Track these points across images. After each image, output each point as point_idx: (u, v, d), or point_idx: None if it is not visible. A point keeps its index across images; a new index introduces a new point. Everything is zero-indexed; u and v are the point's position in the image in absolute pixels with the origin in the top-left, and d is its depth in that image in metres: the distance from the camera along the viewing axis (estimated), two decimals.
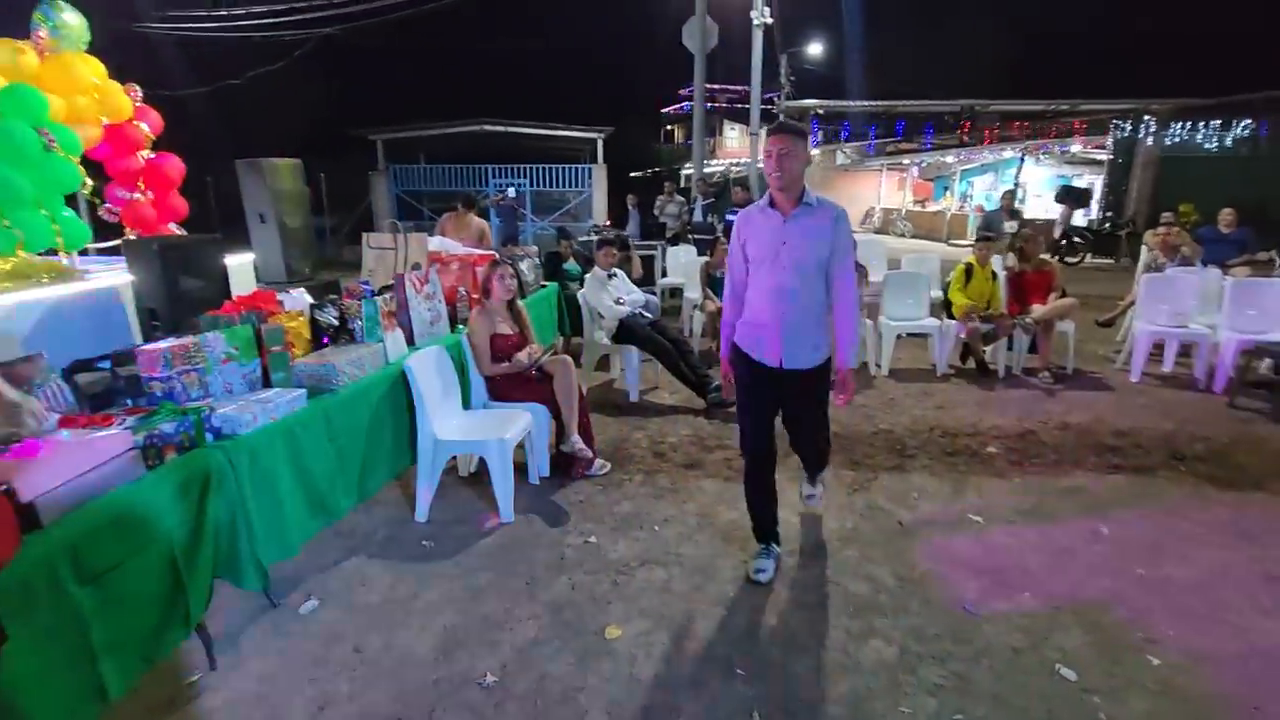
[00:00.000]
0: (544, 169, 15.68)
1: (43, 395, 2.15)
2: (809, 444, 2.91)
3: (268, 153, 7.83)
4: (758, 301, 2.56)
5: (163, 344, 2.42)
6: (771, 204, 2.51)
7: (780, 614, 2.53)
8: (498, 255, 4.37)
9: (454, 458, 3.63)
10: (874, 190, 24.91)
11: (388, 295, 3.52)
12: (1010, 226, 8.37)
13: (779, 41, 18.75)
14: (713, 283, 6.08)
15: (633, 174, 23.33)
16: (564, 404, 3.57)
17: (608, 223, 13.21)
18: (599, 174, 15.99)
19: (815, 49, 21.45)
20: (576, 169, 15.98)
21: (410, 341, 3.52)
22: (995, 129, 20.16)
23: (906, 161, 23.50)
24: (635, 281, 5.46)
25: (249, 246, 5.33)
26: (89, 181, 4.45)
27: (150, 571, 1.92)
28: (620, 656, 2.30)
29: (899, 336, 5.70)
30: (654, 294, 6.71)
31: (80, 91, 4.35)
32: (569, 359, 3.72)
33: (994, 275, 5.62)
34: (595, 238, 6.51)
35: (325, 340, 3.14)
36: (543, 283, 5.41)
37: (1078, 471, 3.75)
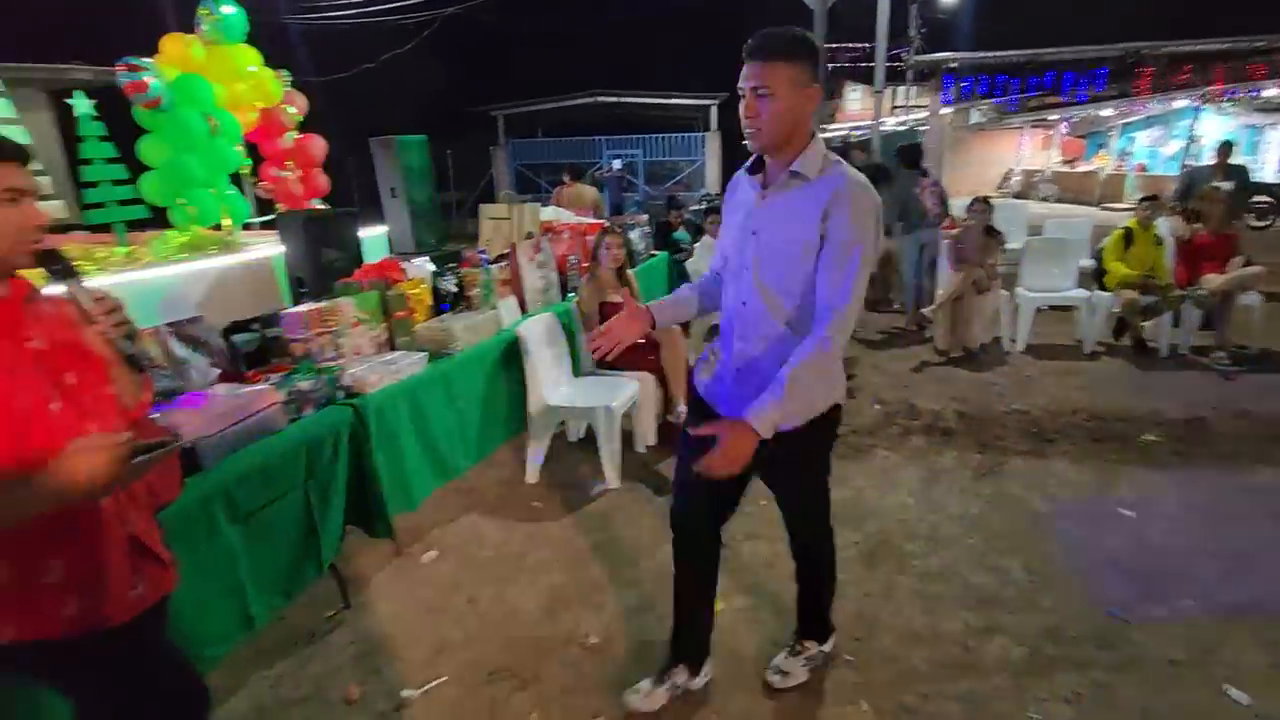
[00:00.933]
0: (656, 138, 15.60)
1: (204, 353, 2.39)
2: (802, 542, 2.03)
3: (398, 131, 8.34)
4: (722, 319, 1.79)
5: (302, 308, 2.63)
6: (755, 168, 1.66)
7: (894, 601, 2.39)
8: (608, 224, 4.38)
9: (563, 423, 3.71)
10: (1013, 151, 22.69)
11: (502, 264, 3.62)
12: (1225, 188, 5.86)
13: None
14: None
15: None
16: (672, 374, 3.54)
17: (720, 191, 12.96)
18: (712, 141, 15.69)
19: None
20: (689, 137, 15.77)
21: (523, 309, 3.61)
22: (1167, 73, 17.59)
23: (1054, 117, 21.15)
24: None
25: (381, 220, 5.70)
26: (248, 161, 4.92)
27: (290, 514, 2.11)
28: (722, 630, 2.26)
29: (1039, 309, 5.18)
30: None
31: (239, 79, 4.80)
32: (678, 329, 3.68)
33: (1159, 240, 4.95)
34: (705, 206, 6.38)
35: (445, 307, 3.29)
36: (653, 251, 5.38)
37: (1261, 468, 3.25)
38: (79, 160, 4.10)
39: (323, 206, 5.46)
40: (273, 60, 5.28)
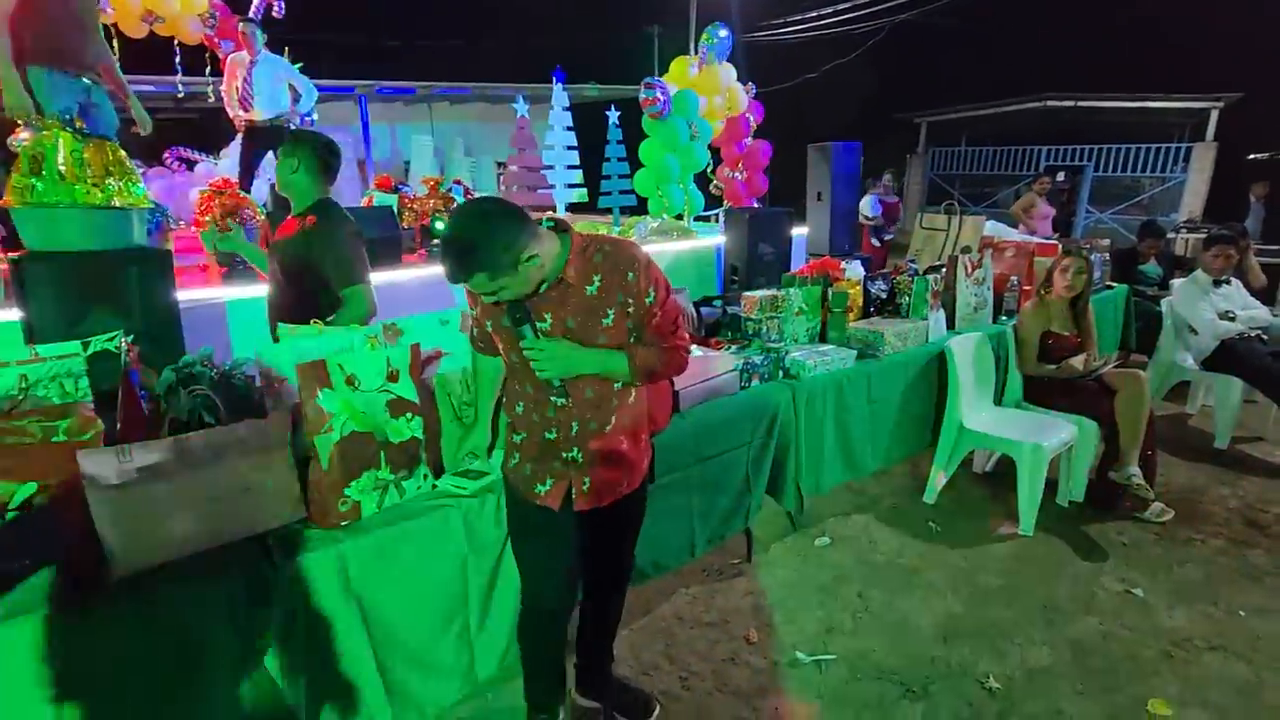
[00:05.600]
0: (1114, 149, 12.99)
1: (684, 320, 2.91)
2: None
3: (829, 137, 8.68)
4: None
5: (760, 293, 2.99)
6: None
7: None
8: (1068, 247, 3.89)
9: (972, 450, 3.48)
10: None
11: (935, 275, 3.53)
12: None
13: None
14: None
15: (1254, 155, 17.31)
16: (1125, 425, 3.01)
17: (1202, 218, 10.25)
18: (1202, 155, 12.41)
19: None
20: (1165, 149, 12.74)
21: (950, 325, 3.47)
22: None
23: None
24: (1254, 294, 4.14)
25: (803, 221, 6.07)
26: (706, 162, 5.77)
27: (733, 468, 2.45)
28: None
29: None
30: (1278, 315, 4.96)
31: (717, 92, 5.61)
32: (1144, 375, 3.11)
33: None
34: (1199, 235, 5.15)
35: (872, 310, 3.37)
36: (1109, 283, 4.59)
37: None
38: (602, 158, 5.37)
39: (757, 206, 6.07)
40: (740, 75, 6.02)
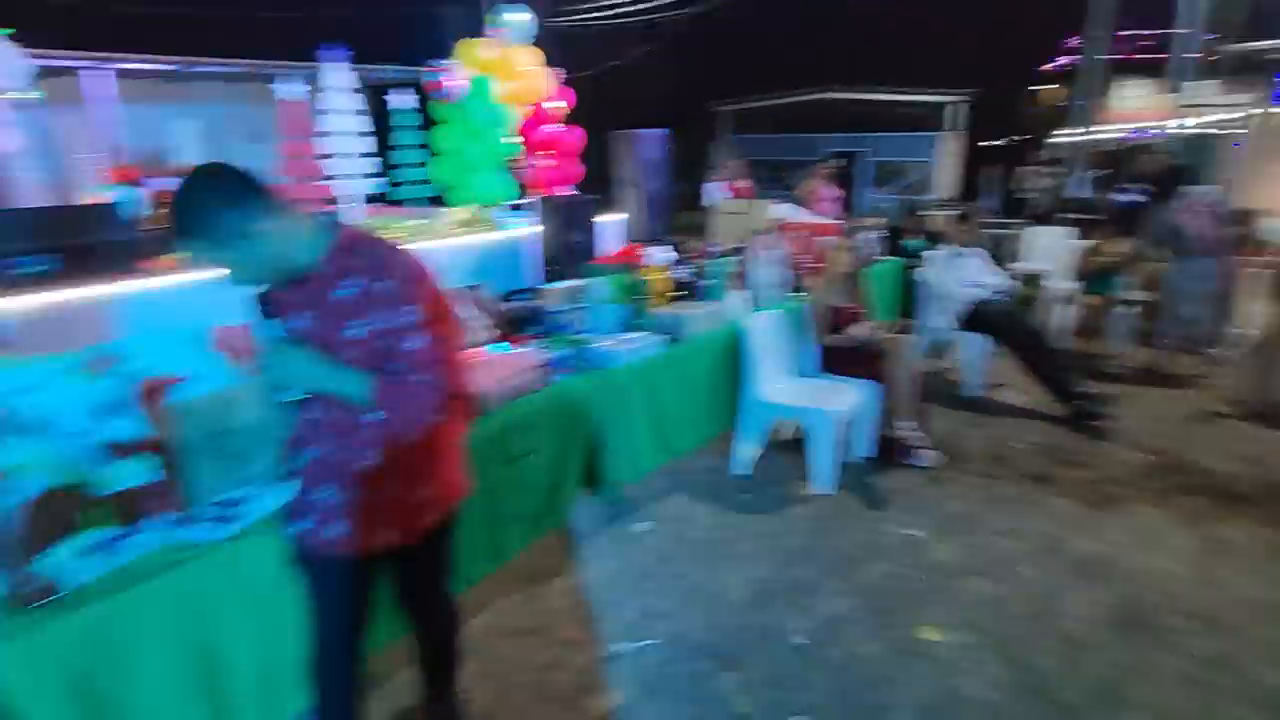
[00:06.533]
0: (885, 137, 14.73)
1: (487, 315, 2.78)
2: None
3: (635, 125, 8.91)
4: None
5: (562, 284, 2.93)
6: None
7: (1154, 680, 2.08)
8: (844, 226, 4.27)
9: (779, 420, 3.72)
10: None
11: (735, 258, 3.71)
12: None
13: None
14: (1094, 276, 5.09)
15: (991, 142, 20.45)
16: (898, 385, 3.38)
17: (959, 196, 11.93)
18: (951, 142, 14.43)
19: None
20: (924, 137, 14.66)
21: (752, 304, 3.67)
22: None
23: None
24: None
25: (618, 208, 6.14)
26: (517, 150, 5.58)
27: (542, 466, 2.39)
28: (939, 662, 2.15)
29: None
30: (1013, 279, 5.87)
31: (519, 78, 5.43)
32: (910, 339, 3.50)
33: None
34: (944, 212, 5.93)
35: (677, 294, 3.46)
36: (885, 257, 5.14)
37: None
38: (389, 146, 4.96)
39: (571, 193, 6.01)
40: (548, 60, 5.89)
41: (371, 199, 5.34)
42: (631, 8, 14.92)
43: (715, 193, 7.94)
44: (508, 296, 3.09)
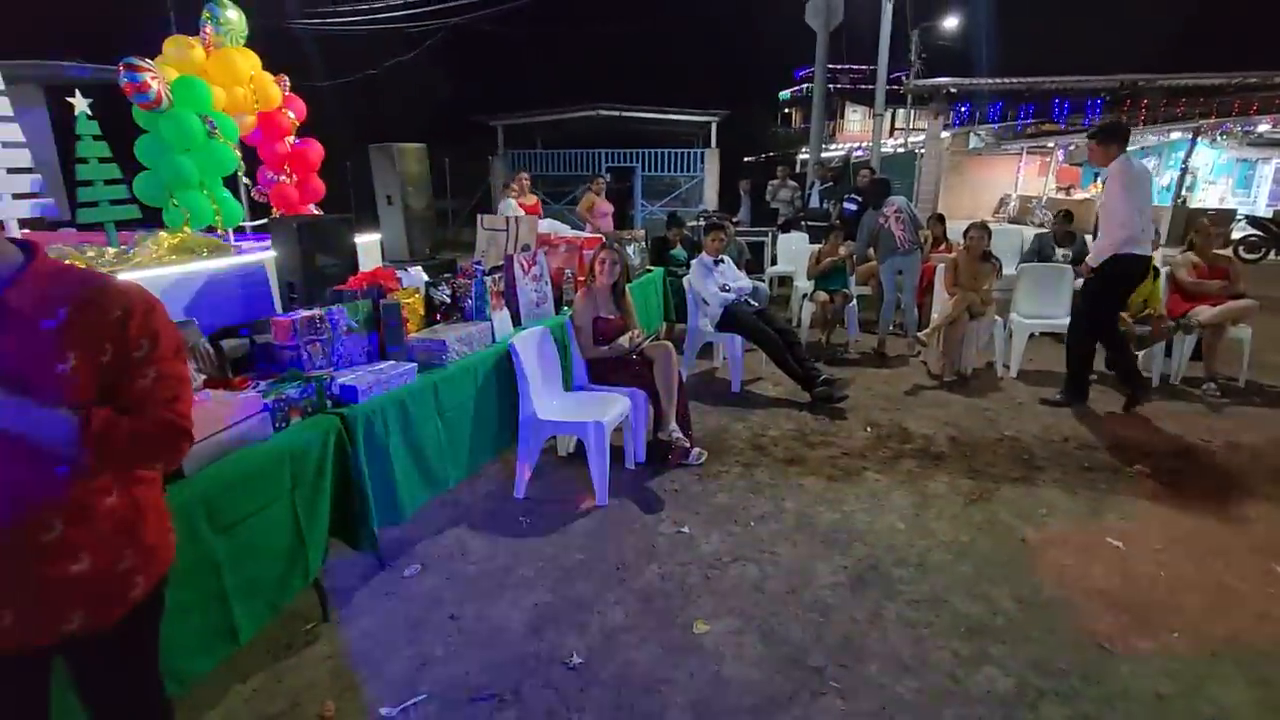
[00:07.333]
0: (655, 153, 15.69)
1: (193, 359, 2.36)
2: None
3: (398, 138, 8.38)
4: None
5: (292, 315, 2.60)
6: None
7: (882, 628, 2.37)
8: (604, 239, 4.38)
9: (553, 438, 3.68)
10: (1010, 177, 22.96)
11: (497, 275, 3.61)
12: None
13: (910, 16, 17.57)
14: (825, 274, 5.83)
15: (746, 159, 22.85)
16: (663, 390, 3.53)
17: (718, 210, 13.04)
18: (711, 159, 15.80)
19: (950, 22, 19.94)
20: (688, 153, 15.87)
21: (516, 321, 3.60)
22: (1163, 105, 17.85)
23: (1051, 144, 21.41)
24: (743, 269, 5.32)
25: (377, 227, 5.68)
26: (239, 164, 4.91)
27: (275, 525, 2.07)
28: (708, 653, 2.24)
29: (1032, 335, 5.21)
30: (762, 282, 6.51)
31: (239, 83, 4.79)
32: (670, 345, 3.67)
33: (1155, 272, 4.98)
34: (703, 223, 6.41)
35: (438, 317, 3.28)
36: (648, 267, 5.38)
37: (1249, 501, 3.25)
38: (75, 159, 4.08)
39: (318, 212, 5.45)
40: (275, 65, 5.28)
41: (53, 224, 4.38)
42: (388, 14, 14.20)
43: (508, 210, 7.77)
44: (225, 333, 2.66)
